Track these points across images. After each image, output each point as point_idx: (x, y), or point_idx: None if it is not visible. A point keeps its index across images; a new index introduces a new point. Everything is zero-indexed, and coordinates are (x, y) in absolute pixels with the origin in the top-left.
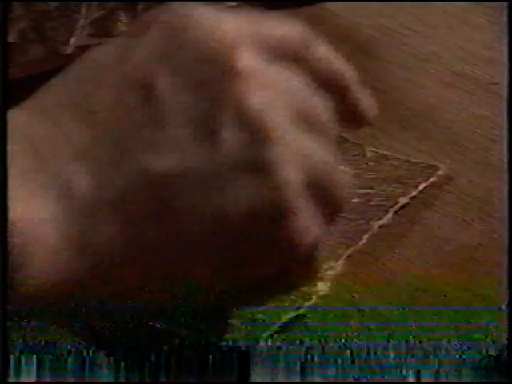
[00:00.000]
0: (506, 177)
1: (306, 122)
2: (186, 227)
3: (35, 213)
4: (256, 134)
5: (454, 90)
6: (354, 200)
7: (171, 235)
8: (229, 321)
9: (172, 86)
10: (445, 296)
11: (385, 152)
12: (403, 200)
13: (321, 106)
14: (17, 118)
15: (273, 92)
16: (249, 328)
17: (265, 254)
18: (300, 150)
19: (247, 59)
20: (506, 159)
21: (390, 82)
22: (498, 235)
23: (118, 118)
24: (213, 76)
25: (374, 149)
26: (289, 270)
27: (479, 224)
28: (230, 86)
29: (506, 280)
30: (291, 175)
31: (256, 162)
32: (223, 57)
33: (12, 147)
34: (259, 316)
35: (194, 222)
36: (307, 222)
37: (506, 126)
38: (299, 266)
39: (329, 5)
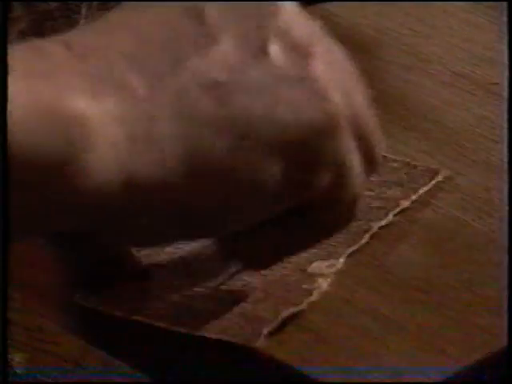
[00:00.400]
0: (506, 177)
1: (346, 70)
2: (239, 127)
3: (99, 107)
4: (301, 51)
5: (454, 90)
6: None
7: (226, 134)
8: (229, 318)
9: (219, 13)
10: (445, 296)
11: (385, 154)
12: (404, 203)
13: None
14: (69, 35)
15: (316, 29)
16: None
17: (310, 168)
18: (342, 79)
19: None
20: (506, 159)
21: (390, 83)
22: (498, 235)
23: (169, 30)
24: (255, 10)
25: None
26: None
27: (479, 224)
28: (272, 16)
29: (505, 280)
30: (336, 94)
31: (302, 76)
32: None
33: (70, 60)
34: (260, 313)
35: (248, 123)
36: (349, 142)
37: (506, 126)
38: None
39: (328, 5)
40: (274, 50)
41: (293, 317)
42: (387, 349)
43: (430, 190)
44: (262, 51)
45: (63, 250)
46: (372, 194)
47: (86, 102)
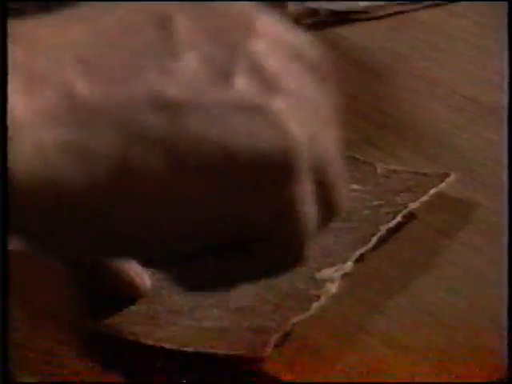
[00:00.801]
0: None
1: (316, 111)
2: (188, 154)
3: (31, 106)
4: (267, 83)
5: (463, 114)
6: (363, 212)
7: (173, 161)
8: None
9: (189, 27)
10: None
11: (395, 167)
12: (413, 205)
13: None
14: (21, 26)
15: (286, 57)
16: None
17: (258, 203)
18: (309, 119)
19: (266, 21)
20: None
21: (399, 107)
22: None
23: (132, 37)
24: (230, 27)
25: (384, 166)
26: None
27: (488, 248)
28: (246, 39)
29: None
30: (296, 129)
31: (263, 107)
32: (243, 14)
33: (15, 53)
34: (269, 324)
35: (197, 150)
36: (303, 186)
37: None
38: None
39: (340, 29)
40: (239, 75)
41: (296, 336)
42: (390, 367)
43: (438, 214)
44: (226, 75)
45: (74, 274)
46: (381, 202)
47: (17, 98)
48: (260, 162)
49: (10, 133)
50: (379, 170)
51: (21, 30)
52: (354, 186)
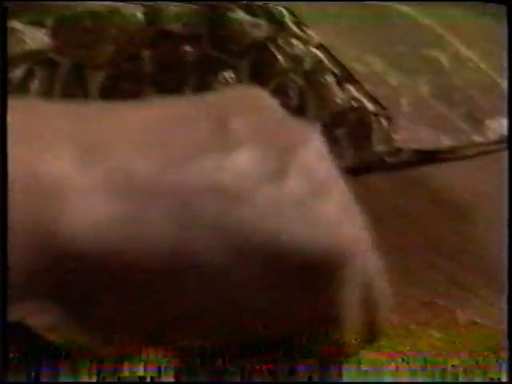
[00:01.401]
0: None
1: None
2: (241, 242)
3: (89, 174)
4: (318, 187)
5: None
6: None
7: (225, 247)
8: None
9: (244, 127)
10: None
11: (477, 320)
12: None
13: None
14: (80, 107)
15: (334, 173)
16: None
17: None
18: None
19: (318, 143)
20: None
21: (484, 246)
22: None
23: (188, 128)
24: (283, 136)
25: (465, 314)
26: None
27: None
28: (297, 148)
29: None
30: (348, 233)
31: (317, 207)
32: (300, 129)
33: (66, 124)
34: None
35: (250, 240)
36: (351, 285)
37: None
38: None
39: (424, 168)
40: (292, 176)
41: None
42: None
43: None
44: (279, 174)
45: None
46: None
47: (71, 166)
48: (311, 260)
49: (61, 197)
50: (461, 320)
51: (80, 109)
52: (437, 335)
